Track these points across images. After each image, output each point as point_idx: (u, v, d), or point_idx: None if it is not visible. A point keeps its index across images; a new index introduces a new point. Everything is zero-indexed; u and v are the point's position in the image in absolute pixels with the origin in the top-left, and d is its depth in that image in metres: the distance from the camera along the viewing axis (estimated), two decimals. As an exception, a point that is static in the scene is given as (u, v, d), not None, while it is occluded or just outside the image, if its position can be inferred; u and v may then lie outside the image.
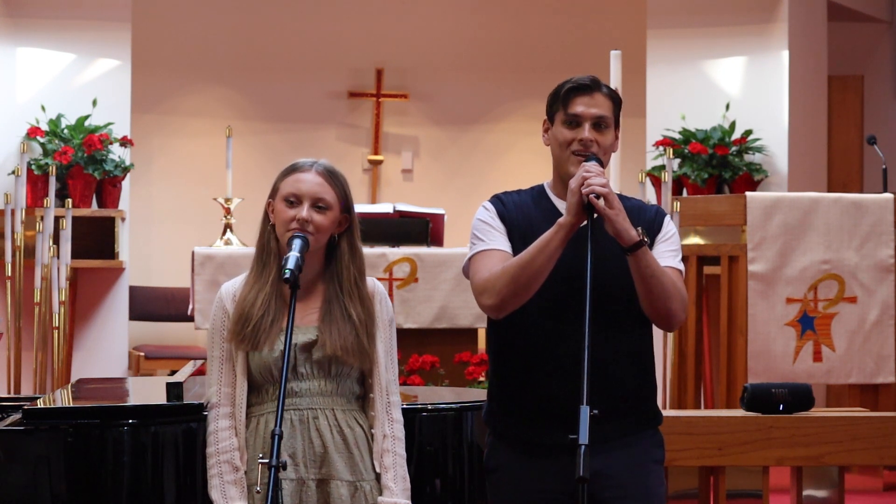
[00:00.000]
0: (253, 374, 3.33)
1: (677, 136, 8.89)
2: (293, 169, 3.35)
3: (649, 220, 3.35)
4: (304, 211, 3.28)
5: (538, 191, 3.41)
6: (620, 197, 3.40)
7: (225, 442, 3.31)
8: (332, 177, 3.34)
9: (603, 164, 3.27)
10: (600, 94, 3.32)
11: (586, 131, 3.28)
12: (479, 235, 3.37)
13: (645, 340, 3.37)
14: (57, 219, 7.39)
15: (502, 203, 3.40)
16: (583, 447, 2.91)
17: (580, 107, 3.30)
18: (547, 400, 3.25)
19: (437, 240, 7.63)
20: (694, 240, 7.06)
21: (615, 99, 3.35)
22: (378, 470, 3.33)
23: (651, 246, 3.30)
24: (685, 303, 3.28)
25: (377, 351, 3.35)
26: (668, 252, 3.33)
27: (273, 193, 3.36)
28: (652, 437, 3.39)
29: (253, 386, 3.34)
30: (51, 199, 7.46)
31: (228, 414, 3.33)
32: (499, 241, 3.34)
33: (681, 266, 3.34)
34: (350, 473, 3.30)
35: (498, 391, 3.41)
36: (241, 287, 3.35)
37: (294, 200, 3.30)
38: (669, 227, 3.38)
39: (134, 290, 9.08)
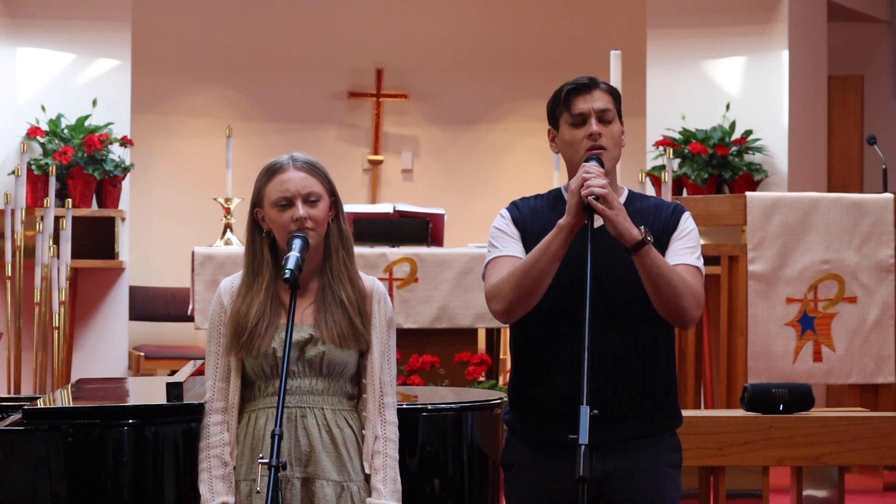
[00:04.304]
0: (246, 370, 3.33)
1: (677, 136, 8.89)
2: (273, 172, 3.33)
3: (666, 218, 3.34)
4: (299, 210, 3.28)
5: (555, 195, 3.42)
6: (641, 196, 3.42)
7: (216, 437, 3.32)
8: (313, 167, 3.34)
9: (605, 165, 3.27)
10: (599, 90, 3.34)
11: (594, 125, 3.30)
12: (494, 243, 3.38)
13: (662, 340, 3.35)
14: (57, 219, 7.39)
15: (518, 209, 3.40)
16: (583, 447, 2.91)
17: (582, 104, 3.31)
18: (559, 400, 3.26)
19: (437, 240, 7.63)
20: (694, 240, 7.04)
21: (614, 93, 3.37)
22: (368, 471, 3.32)
23: (666, 244, 3.31)
24: (699, 300, 3.26)
25: (372, 337, 3.34)
26: (683, 249, 3.31)
27: (259, 201, 3.35)
28: (669, 440, 3.38)
29: (246, 382, 3.35)
30: (51, 199, 7.46)
31: (221, 409, 3.34)
32: (512, 247, 3.34)
33: (698, 263, 3.31)
34: (337, 473, 3.29)
35: (514, 390, 3.43)
36: (235, 297, 3.34)
37: (285, 203, 3.30)
38: (687, 224, 3.36)
39: (134, 290, 9.09)
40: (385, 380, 3.36)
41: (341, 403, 3.34)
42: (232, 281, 3.39)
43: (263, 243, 3.35)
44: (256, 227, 3.37)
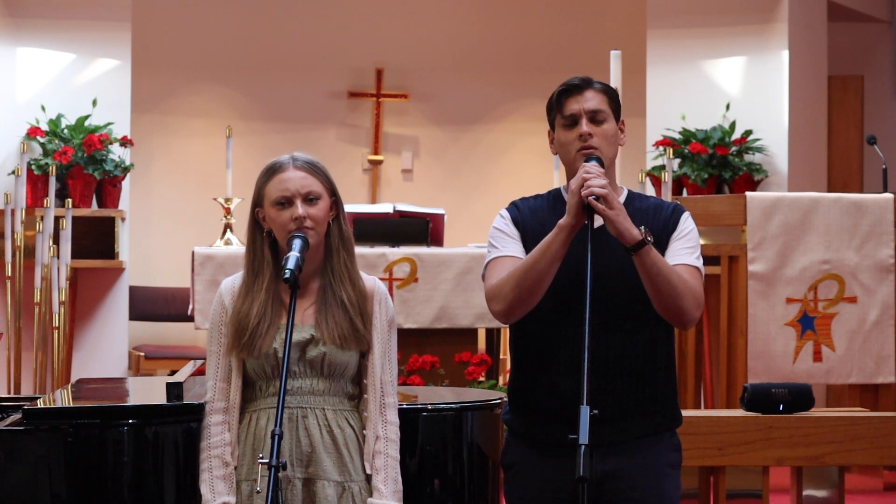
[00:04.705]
0: (247, 371, 3.33)
1: (677, 136, 8.89)
2: (273, 171, 3.34)
3: (665, 218, 3.34)
4: (298, 209, 3.28)
5: (554, 195, 3.42)
6: (640, 196, 3.42)
7: (216, 437, 3.32)
8: (313, 167, 3.34)
9: (604, 164, 3.27)
10: (591, 90, 3.34)
11: (584, 126, 3.30)
12: (494, 243, 3.38)
13: (662, 340, 3.35)
14: (57, 219, 7.39)
15: (517, 209, 3.41)
16: (583, 447, 2.91)
17: (573, 105, 3.32)
18: (559, 400, 3.26)
19: (437, 240, 7.63)
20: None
21: (609, 92, 3.37)
22: (369, 471, 3.32)
23: (666, 244, 3.31)
24: (699, 300, 3.26)
25: (373, 338, 3.34)
26: (683, 249, 3.31)
27: (259, 201, 3.35)
28: (669, 440, 3.38)
29: (247, 382, 3.35)
30: (51, 199, 7.46)
31: (222, 409, 3.33)
32: (512, 247, 3.34)
33: (697, 263, 3.31)
34: (338, 474, 3.29)
35: (514, 390, 3.43)
36: (237, 297, 3.35)
37: (285, 202, 3.30)
38: (686, 224, 3.36)
39: (134, 290, 9.08)
40: (386, 380, 3.36)
41: (342, 404, 3.34)
42: (233, 281, 3.39)
43: (264, 243, 3.35)
44: (257, 227, 3.37)
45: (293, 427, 3.28)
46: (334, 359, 3.30)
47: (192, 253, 7.26)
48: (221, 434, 3.32)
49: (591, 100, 3.32)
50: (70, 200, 7.73)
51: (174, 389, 3.54)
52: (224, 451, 3.31)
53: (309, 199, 3.30)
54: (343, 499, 3.29)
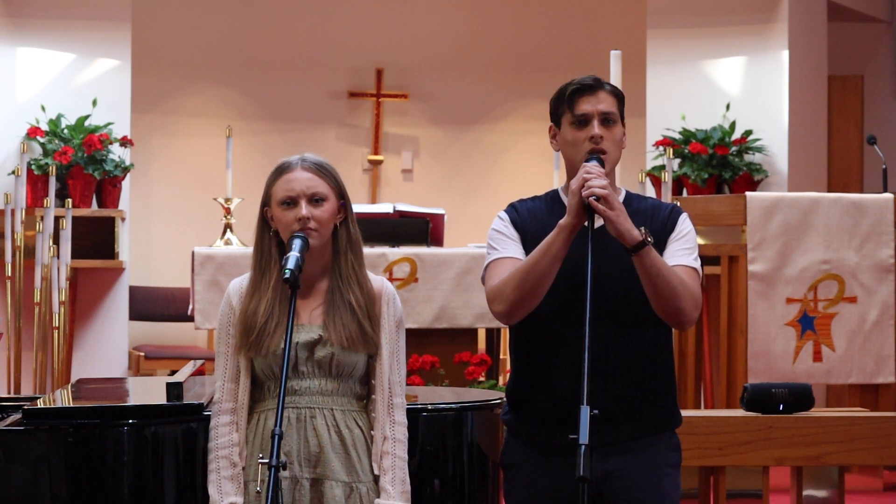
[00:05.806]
0: (256, 371, 3.33)
1: (677, 136, 8.89)
2: (281, 171, 3.34)
3: (663, 220, 3.34)
4: (302, 209, 3.28)
5: (552, 196, 3.42)
6: (638, 197, 3.42)
7: (224, 437, 3.32)
8: (321, 168, 3.34)
9: (604, 164, 3.27)
10: (603, 91, 3.33)
11: (595, 128, 3.29)
12: (493, 245, 3.38)
13: (662, 341, 3.36)
14: (57, 219, 7.39)
15: (516, 211, 3.40)
16: (583, 447, 2.91)
17: (586, 105, 3.31)
18: (559, 401, 3.26)
19: (437, 240, 7.63)
20: (694, 240, 7.04)
21: (618, 95, 3.36)
22: (377, 472, 3.32)
23: (664, 245, 3.31)
24: (697, 301, 3.26)
25: (381, 339, 3.34)
26: (681, 250, 3.32)
27: (267, 200, 3.36)
28: (668, 440, 3.39)
29: (256, 383, 3.35)
30: (51, 199, 7.46)
31: (230, 410, 3.33)
32: (511, 249, 3.34)
33: (695, 264, 3.32)
34: (346, 474, 3.30)
35: (514, 390, 3.43)
36: (244, 296, 3.35)
37: (290, 202, 3.30)
38: (684, 225, 3.36)
39: (134, 290, 9.08)
40: (394, 380, 3.36)
41: (350, 404, 3.34)
42: (240, 282, 3.40)
43: (271, 242, 3.36)
44: (265, 226, 3.38)
45: (301, 427, 3.29)
46: (342, 359, 3.31)
47: (192, 253, 7.26)
48: (229, 435, 3.32)
49: (604, 101, 3.31)
50: (70, 200, 7.73)
51: (174, 389, 3.55)
52: (232, 451, 3.31)
53: (314, 200, 3.30)
54: (351, 499, 3.29)
